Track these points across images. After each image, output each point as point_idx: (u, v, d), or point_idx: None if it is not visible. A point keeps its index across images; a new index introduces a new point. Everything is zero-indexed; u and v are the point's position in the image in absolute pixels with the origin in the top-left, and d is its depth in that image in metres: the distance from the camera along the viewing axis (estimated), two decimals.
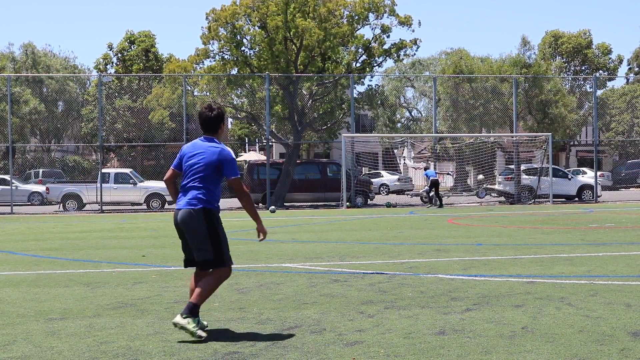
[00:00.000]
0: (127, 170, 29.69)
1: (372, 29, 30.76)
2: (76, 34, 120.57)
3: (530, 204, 29.05)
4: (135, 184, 28.60)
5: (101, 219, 22.27)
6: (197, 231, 5.82)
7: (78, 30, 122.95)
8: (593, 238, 13.76)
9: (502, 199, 30.84)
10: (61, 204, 28.19)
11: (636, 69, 54.17)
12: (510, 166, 32.43)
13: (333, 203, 28.94)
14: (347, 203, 27.36)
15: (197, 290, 5.76)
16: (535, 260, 10.45)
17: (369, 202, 29.95)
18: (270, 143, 31.75)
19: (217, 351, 5.44)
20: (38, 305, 7.45)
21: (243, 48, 29.98)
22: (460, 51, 44.17)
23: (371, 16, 30.25)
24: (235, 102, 33.86)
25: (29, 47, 48.58)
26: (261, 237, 6.16)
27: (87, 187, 28.38)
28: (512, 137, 31.57)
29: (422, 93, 53.67)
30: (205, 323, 6.06)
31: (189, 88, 31.20)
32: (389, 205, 28.47)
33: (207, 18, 29.54)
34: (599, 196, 30.79)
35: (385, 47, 30.71)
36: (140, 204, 28.65)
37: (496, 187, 31.63)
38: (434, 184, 27.38)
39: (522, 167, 31.65)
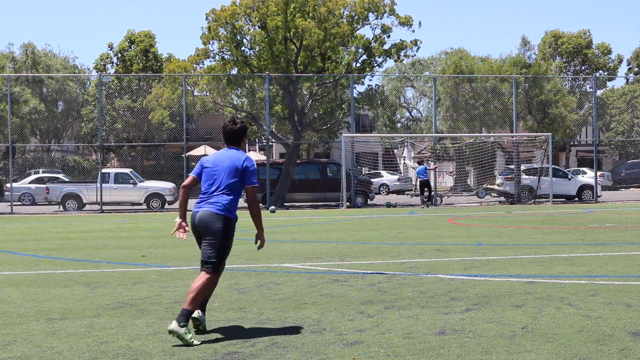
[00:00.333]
0: (127, 170, 29.69)
1: (372, 29, 30.77)
2: (76, 34, 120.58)
3: (530, 204, 29.04)
4: (135, 184, 28.60)
5: (101, 219, 22.27)
6: (212, 230, 6.01)
7: (78, 30, 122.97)
8: (593, 238, 13.76)
9: (502, 199, 30.84)
10: (61, 204, 28.19)
11: (636, 69, 54.18)
12: (510, 166, 32.43)
13: (333, 203, 28.95)
14: (347, 203, 27.36)
15: (190, 295, 5.83)
16: (535, 260, 10.45)
17: (369, 202, 29.95)
18: (270, 143, 31.75)
19: (217, 351, 5.44)
20: (38, 305, 7.45)
21: (243, 48, 29.98)
22: (460, 51, 44.17)
23: (371, 16, 30.25)
24: (235, 102, 33.87)
25: (29, 47, 48.59)
26: (259, 244, 6.42)
27: (87, 187, 28.38)
28: (512, 137, 31.57)
29: (422, 93, 53.69)
30: (199, 316, 6.06)
31: (189, 88, 31.20)
32: (389, 205, 28.47)
33: (207, 18, 29.53)
34: (599, 196, 30.79)
35: (386, 47, 30.71)
36: (140, 204, 28.65)
37: (496, 187, 31.64)
38: (424, 185, 27.45)
39: (522, 167, 31.64)
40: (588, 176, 37.42)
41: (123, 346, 5.63)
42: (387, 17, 30.39)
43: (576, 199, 31.10)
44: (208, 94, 32.22)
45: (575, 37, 49.52)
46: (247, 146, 57.95)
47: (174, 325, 5.62)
